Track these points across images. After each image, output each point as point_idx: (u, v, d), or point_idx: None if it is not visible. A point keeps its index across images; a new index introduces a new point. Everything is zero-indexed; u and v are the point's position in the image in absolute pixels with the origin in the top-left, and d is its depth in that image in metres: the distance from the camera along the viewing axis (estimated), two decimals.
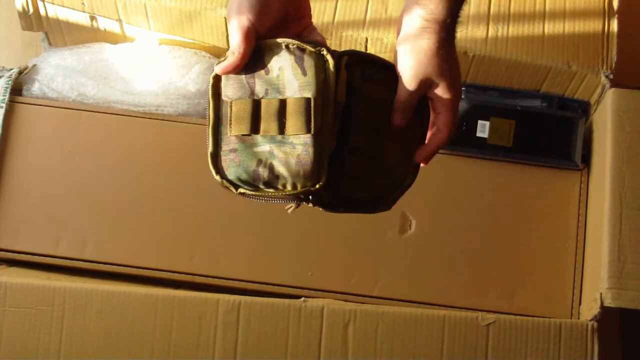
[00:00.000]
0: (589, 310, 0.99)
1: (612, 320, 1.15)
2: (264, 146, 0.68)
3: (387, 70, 0.71)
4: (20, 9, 1.19)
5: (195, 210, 1.11)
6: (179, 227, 1.10)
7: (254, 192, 0.68)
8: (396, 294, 1.07)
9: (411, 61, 0.66)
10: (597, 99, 1.10)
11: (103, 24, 1.19)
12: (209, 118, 0.68)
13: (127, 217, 1.11)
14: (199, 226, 1.10)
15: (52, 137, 1.14)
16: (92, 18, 1.18)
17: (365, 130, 0.71)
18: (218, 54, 1.20)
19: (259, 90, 0.69)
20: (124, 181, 1.12)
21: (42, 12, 1.19)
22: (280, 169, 0.67)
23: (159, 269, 1.09)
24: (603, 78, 1.07)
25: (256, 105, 0.68)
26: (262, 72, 0.69)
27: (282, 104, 0.68)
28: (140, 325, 0.97)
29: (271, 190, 0.68)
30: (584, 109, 1.14)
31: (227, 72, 0.68)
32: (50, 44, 1.25)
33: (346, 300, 1.05)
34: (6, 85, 1.15)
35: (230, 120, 0.68)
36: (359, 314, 0.97)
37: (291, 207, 0.71)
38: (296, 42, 0.69)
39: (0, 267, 1.11)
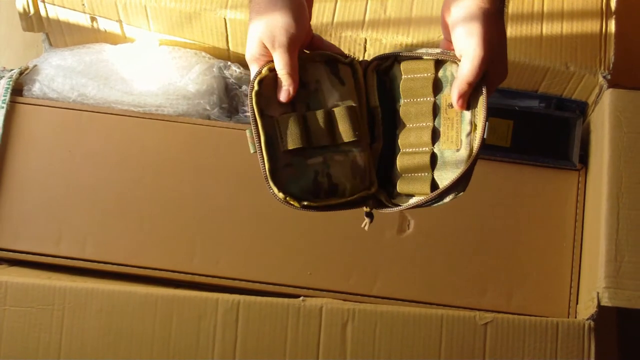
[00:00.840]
0: (586, 309, 1.00)
1: (609, 320, 1.16)
2: (317, 158, 0.70)
3: (424, 61, 0.71)
4: (21, 9, 1.19)
5: (195, 210, 1.11)
6: (179, 227, 1.11)
7: (317, 203, 0.69)
8: (394, 294, 1.08)
9: (475, 41, 0.65)
10: (594, 100, 1.10)
11: (103, 24, 1.20)
12: (260, 136, 0.68)
13: (128, 217, 1.11)
14: (199, 226, 1.11)
15: (53, 137, 1.14)
16: (93, 19, 1.19)
17: (413, 126, 0.72)
18: (218, 54, 1.20)
19: (301, 104, 0.70)
20: (124, 181, 1.12)
21: (43, 13, 1.20)
22: (339, 176, 0.69)
23: (159, 269, 1.09)
24: (601, 79, 1.07)
25: (303, 119, 0.70)
26: (300, 87, 0.70)
27: (329, 114, 0.70)
28: (140, 325, 0.98)
29: (332, 198, 0.70)
30: (581, 109, 1.14)
31: (291, 97, 0.69)
32: (50, 44, 1.26)
33: (345, 300, 1.05)
34: (7, 86, 1.15)
35: (281, 136, 0.69)
36: (358, 313, 0.98)
37: (366, 223, 0.73)
38: (327, 54, 0.72)
39: (1, 266, 1.11)
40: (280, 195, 0.68)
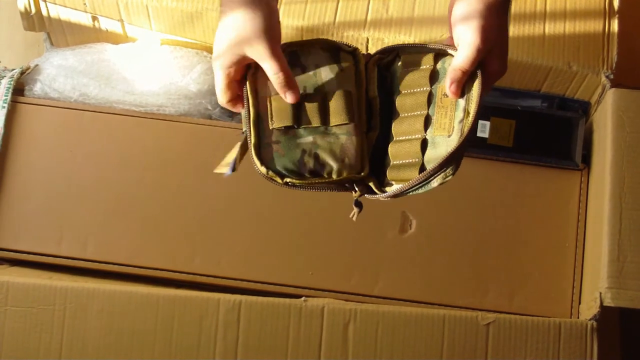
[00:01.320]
0: (588, 309, 1.00)
1: (611, 320, 1.16)
2: (307, 137, 0.70)
3: (424, 52, 0.72)
4: (23, 9, 1.19)
5: (197, 210, 1.11)
6: (180, 227, 1.11)
7: (299, 181, 0.70)
8: (396, 294, 1.08)
9: (471, 30, 0.66)
10: (597, 99, 1.10)
11: (105, 24, 1.20)
12: (249, 113, 0.70)
13: (129, 217, 1.11)
14: (200, 226, 1.10)
15: (54, 137, 1.14)
16: (94, 18, 1.19)
17: (408, 115, 0.72)
18: None
19: (298, 86, 0.71)
20: (125, 181, 1.12)
21: (44, 13, 1.20)
22: (326, 157, 0.70)
23: (160, 269, 1.09)
24: (603, 78, 1.07)
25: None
26: (299, 70, 0.72)
27: (323, 97, 0.71)
28: (142, 325, 0.98)
29: (316, 178, 0.70)
30: (584, 109, 1.14)
31: (295, 95, 0.69)
32: (52, 44, 1.26)
33: (346, 300, 1.05)
34: (8, 86, 1.15)
35: (271, 114, 0.70)
36: (360, 313, 0.98)
37: (354, 213, 0.73)
38: (330, 41, 0.73)
39: (3, 266, 1.11)
40: (263, 169, 0.69)
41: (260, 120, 0.70)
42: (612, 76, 1.06)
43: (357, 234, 1.09)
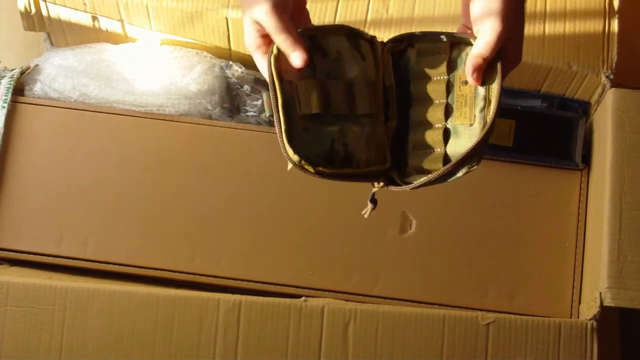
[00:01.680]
0: (588, 309, 1.00)
1: (611, 320, 1.16)
2: (335, 126, 0.70)
3: (439, 40, 0.72)
4: (23, 9, 1.19)
5: (197, 210, 1.11)
6: (180, 227, 1.11)
7: (331, 170, 0.68)
8: (396, 294, 1.08)
9: (492, 17, 0.67)
10: (597, 99, 1.10)
11: (105, 24, 1.20)
12: (277, 99, 0.67)
13: (129, 217, 1.11)
14: (200, 226, 1.10)
15: (54, 137, 1.14)
16: (94, 18, 1.19)
17: (427, 104, 0.72)
18: (220, 54, 1.20)
19: (320, 73, 0.70)
20: (125, 181, 1.12)
21: (44, 13, 1.19)
22: (354, 146, 0.69)
23: (160, 269, 1.09)
24: (603, 78, 1.07)
25: (323, 86, 0.70)
26: (320, 54, 0.71)
27: (348, 84, 0.70)
28: (142, 325, 0.98)
29: (347, 168, 0.69)
30: (584, 109, 1.14)
31: (305, 60, 0.67)
32: (52, 44, 1.26)
33: (347, 300, 1.05)
34: (8, 86, 1.15)
35: (299, 100, 0.68)
36: (360, 313, 0.97)
37: (367, 210, 0.73)
38: (349, 27, 0.72)
39: (3, 266, 1.11)
40: (295, 157, 0.67)
41: (288, 107, 0.68)
42: (612, 76, 1.06)
43: (357, 234, 1.09)
